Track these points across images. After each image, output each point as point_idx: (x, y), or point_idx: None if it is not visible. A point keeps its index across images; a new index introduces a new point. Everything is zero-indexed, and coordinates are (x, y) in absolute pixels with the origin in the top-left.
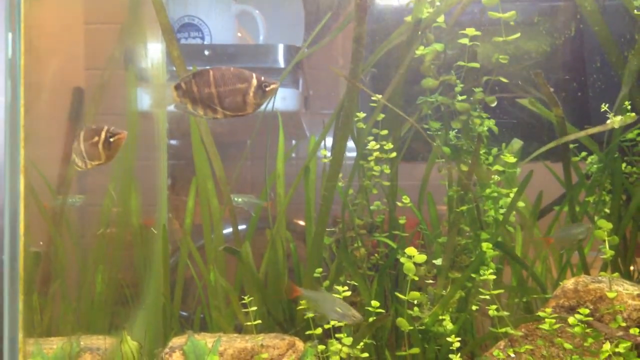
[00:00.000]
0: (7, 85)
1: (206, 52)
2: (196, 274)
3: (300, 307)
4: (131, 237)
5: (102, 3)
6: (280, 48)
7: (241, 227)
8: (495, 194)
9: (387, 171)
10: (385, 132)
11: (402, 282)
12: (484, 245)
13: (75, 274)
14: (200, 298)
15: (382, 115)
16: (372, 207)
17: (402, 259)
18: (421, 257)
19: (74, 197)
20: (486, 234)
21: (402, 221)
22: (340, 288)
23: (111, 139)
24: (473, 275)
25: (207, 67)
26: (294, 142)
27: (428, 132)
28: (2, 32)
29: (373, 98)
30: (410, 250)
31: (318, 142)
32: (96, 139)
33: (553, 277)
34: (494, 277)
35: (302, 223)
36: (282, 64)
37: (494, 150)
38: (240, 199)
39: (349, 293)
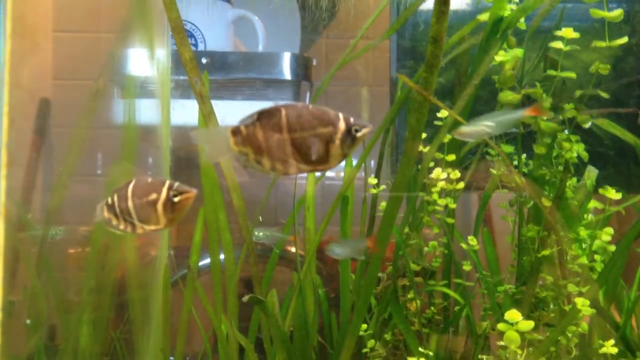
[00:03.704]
0: None
1: (203, 60)
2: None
3: None
4: (124, 277)
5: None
6: (287, 57)
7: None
8: (586, 237)
9: (453, 206)
10: (452, 157)
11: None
12: (579, 301)
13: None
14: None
15: (449, 137)
16: (426, 249)
17: (501, 326)
18: (527, 325)
19: (55, 229)
20: (573, 285)
21: (467, 267)
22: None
23: (175, 199)
24: (560, 338)
25: (278, 104)
26: None
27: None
28: None
29: (439, 115)
30: (512, 315)
31: (357, 167)
32: (154, 196)
33: None
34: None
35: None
36: (287, 75)
37: (573, 181)
38: (261, 233)
39: None
